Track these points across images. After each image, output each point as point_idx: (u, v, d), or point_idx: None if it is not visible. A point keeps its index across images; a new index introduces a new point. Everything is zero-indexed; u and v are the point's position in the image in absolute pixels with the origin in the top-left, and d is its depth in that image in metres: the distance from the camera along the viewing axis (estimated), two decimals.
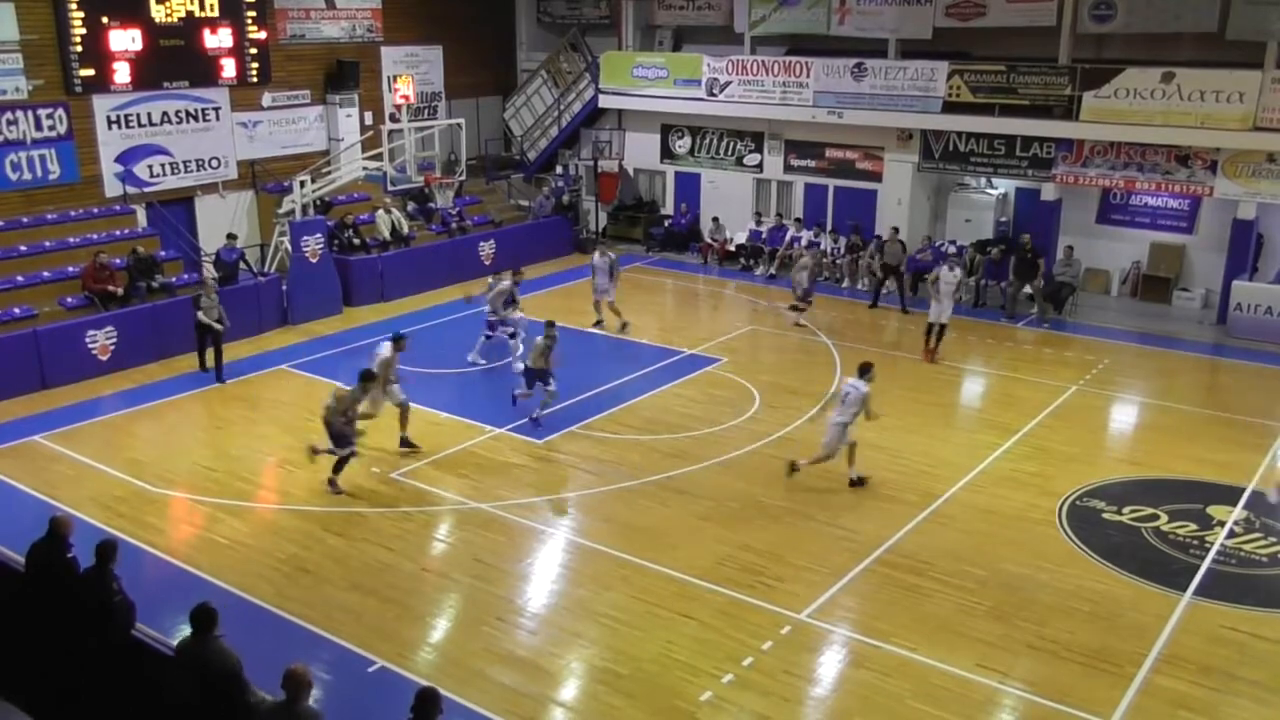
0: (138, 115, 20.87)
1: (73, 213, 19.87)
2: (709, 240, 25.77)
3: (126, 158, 20.85)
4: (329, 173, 22.82)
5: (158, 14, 20.57)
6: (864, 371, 13.49)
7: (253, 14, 22.18)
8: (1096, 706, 9.33)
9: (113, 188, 20.67)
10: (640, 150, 27.54)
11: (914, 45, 23.19)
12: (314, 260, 20.88)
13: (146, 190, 21.15)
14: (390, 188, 23.32)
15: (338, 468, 13.33)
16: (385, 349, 14.48)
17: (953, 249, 23.05)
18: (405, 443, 14.58)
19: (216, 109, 22.19)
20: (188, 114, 21.70)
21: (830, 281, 23.83)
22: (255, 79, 22.66)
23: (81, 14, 19.45)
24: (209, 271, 15.96)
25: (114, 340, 17.70)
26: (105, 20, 19.81)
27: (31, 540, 8.62)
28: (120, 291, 18.26)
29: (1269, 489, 13.21)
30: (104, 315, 17.82)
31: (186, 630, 7.30)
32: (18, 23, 18.75)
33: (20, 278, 18.04)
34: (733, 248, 25.44)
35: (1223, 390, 18.20)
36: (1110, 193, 22.32)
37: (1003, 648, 10.21)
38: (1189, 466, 14.25)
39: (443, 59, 27.27)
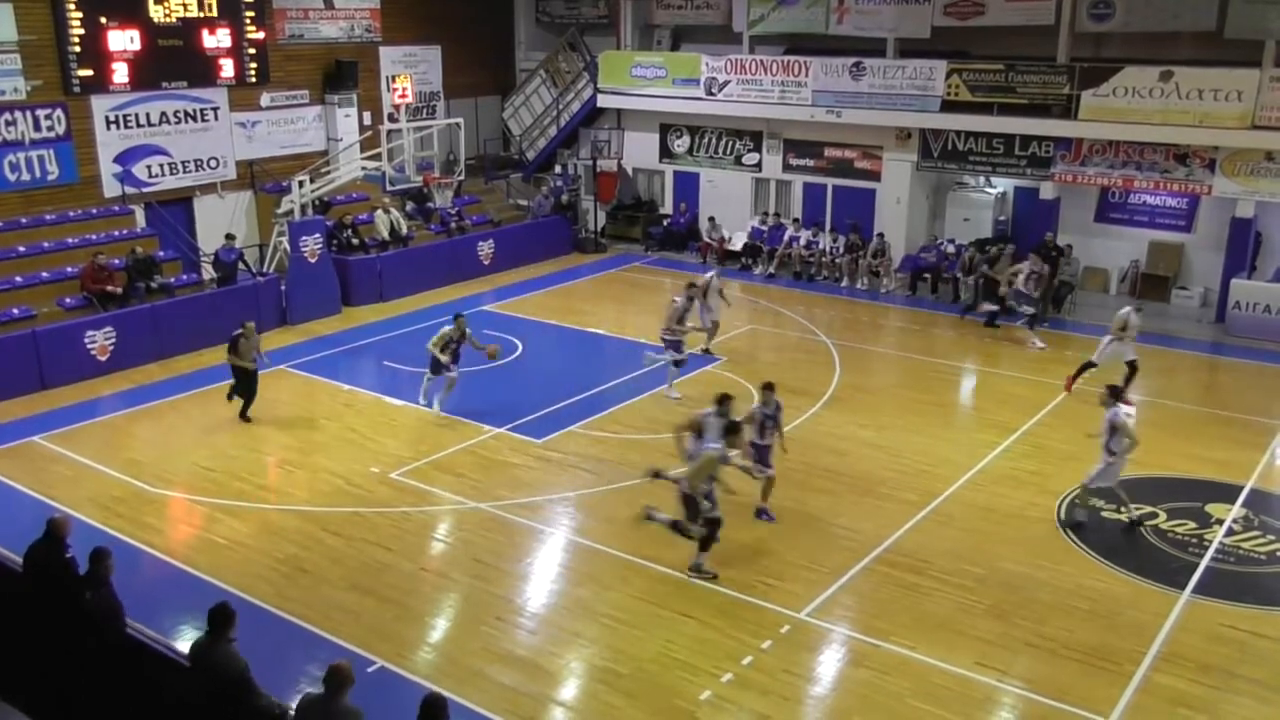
0: (136, 115, 20.87)
1: (71, 213, 19.87)
2: (706, 240, 25.78)
3: (125, 158, 20.85)
4: (327, 173, 22.83)
5: (156, 14, 20.57)
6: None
7: (251, 14, 22.17)
8: (1096, 705, 9.33)
9: (111, 188, 20.67)
10: (639, 150, 27.53)
11: (912, 44, 23.20)
12: (313, 260, 20.87)
13: (145, 191, 21.15)
14: (389, 187, 23.34)
15: (704, 545, 11.36)
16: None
17: (951, 247, 23.05)
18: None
19: (215, 109, 22.19)
20: (186, 114, 21.69)
21: (830, 280, 23.85)
22: (254, 79, 22.65)
23: (80, 14, 19.45)
24: (248, 325, 15.28)
25: (113, 341, 17.69)
26: (103, 20, 19.81)
27: (30, 541, 8.62)
28: (119, 291, 18.26)
29: None
30: (103, 316, 17.82)
31: (186, 629, 7.30)
32: (16, 23, 18.75)
33: (19, 278, 18.05)
34: (733, 247, 25.44)
35: (1221, 388, 18.21)
36: (1109, 191, 22.34)
37: (1002, 646, 10.21)
38: (1188, 465, 14.25)
39: (441, 59, 27.27)
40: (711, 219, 25.91)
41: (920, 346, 18.99)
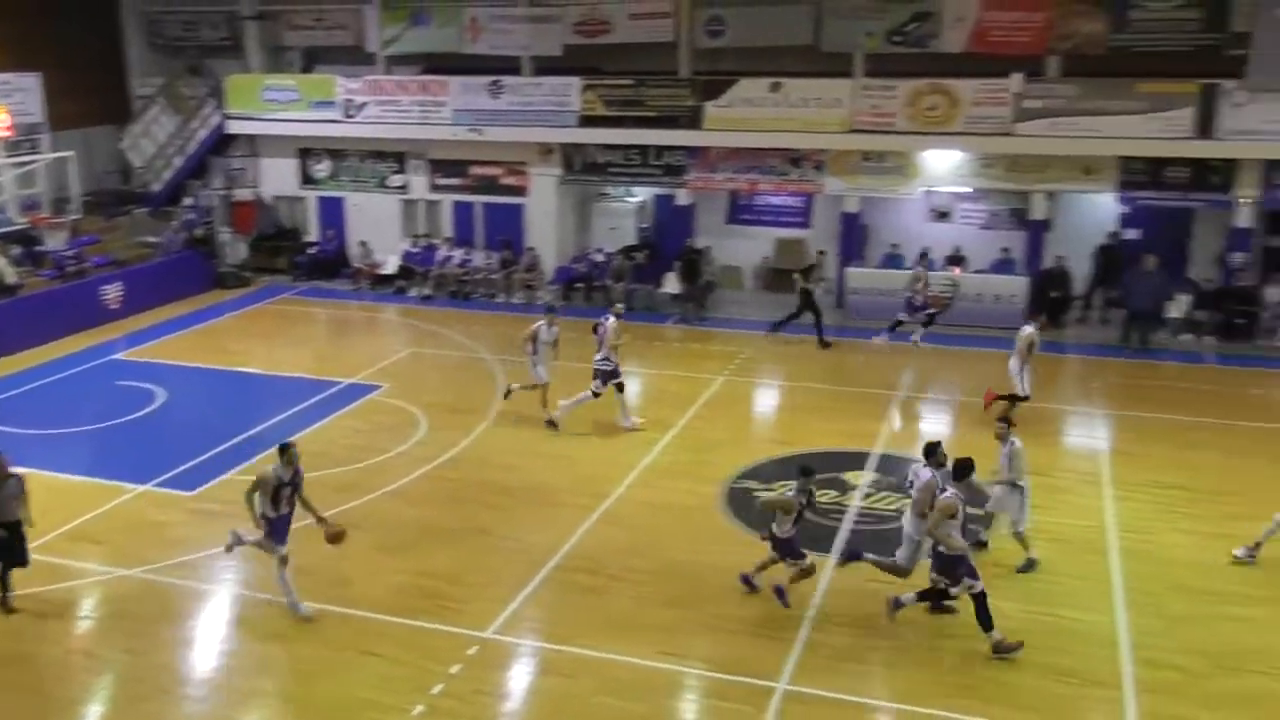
0: None
1: None
2: (359, 265, 25.15)
3: None
4: None
5: None
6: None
7: None
8: (766, 671, 10.01)
9: None
10: (278, 177, 26.40)
11: (548, 62, 23.82)
12: None
13: None
14: None
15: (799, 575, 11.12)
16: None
17: (600, 256, 23.89)
18: None
19: None
20: None
21: (486, 297, 24.00)
22: None
23: None
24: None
25: None
26: None
27: None
28: None
29: None
30: None
31: None
32: None
33: None
34: (386, 271, 24.96)
35: (846, 368, 20.00)
36: (737, 195, 24.05)
37: (680, 631, 10.71)
38: (826, 439, 15.61)
39: (42, 87, 24.68)
40: (363, 244, 25.30)
41: (577, 354, 19.50)
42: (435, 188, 25.32)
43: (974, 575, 10.31)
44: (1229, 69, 19.38)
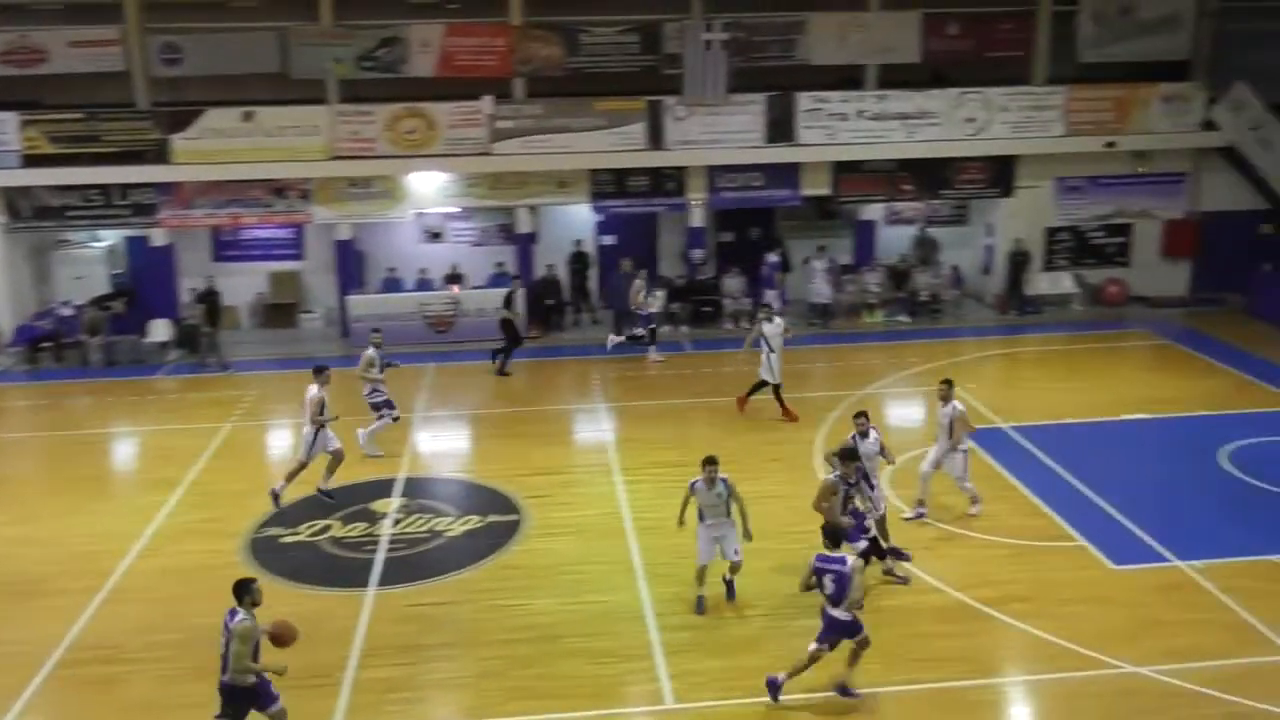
0: None
1: None
2: None
3: None
4: None
5: None
6: None
7: None
8: None
9: None
10: None
11: None
12: None
13: None
14: None
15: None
16: None
17: (68, 310, 21.39)
18: None
19: None
20: None
21: None
22: None
23: None
24: None
25: None
26: None
27: None
28: None
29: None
30: None
31: None
32: None
33: None
34: None
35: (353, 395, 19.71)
36: (220, 230, 22.71)
37: (207, 707, 9.88)
38: (351, 472, 15.19)
39: None
40: None
41: (72, 420, 17.36)
42: None
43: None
44: (670, 86, 21.76)
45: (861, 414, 12.55)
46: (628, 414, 17.81)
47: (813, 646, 9.59)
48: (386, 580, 12.21)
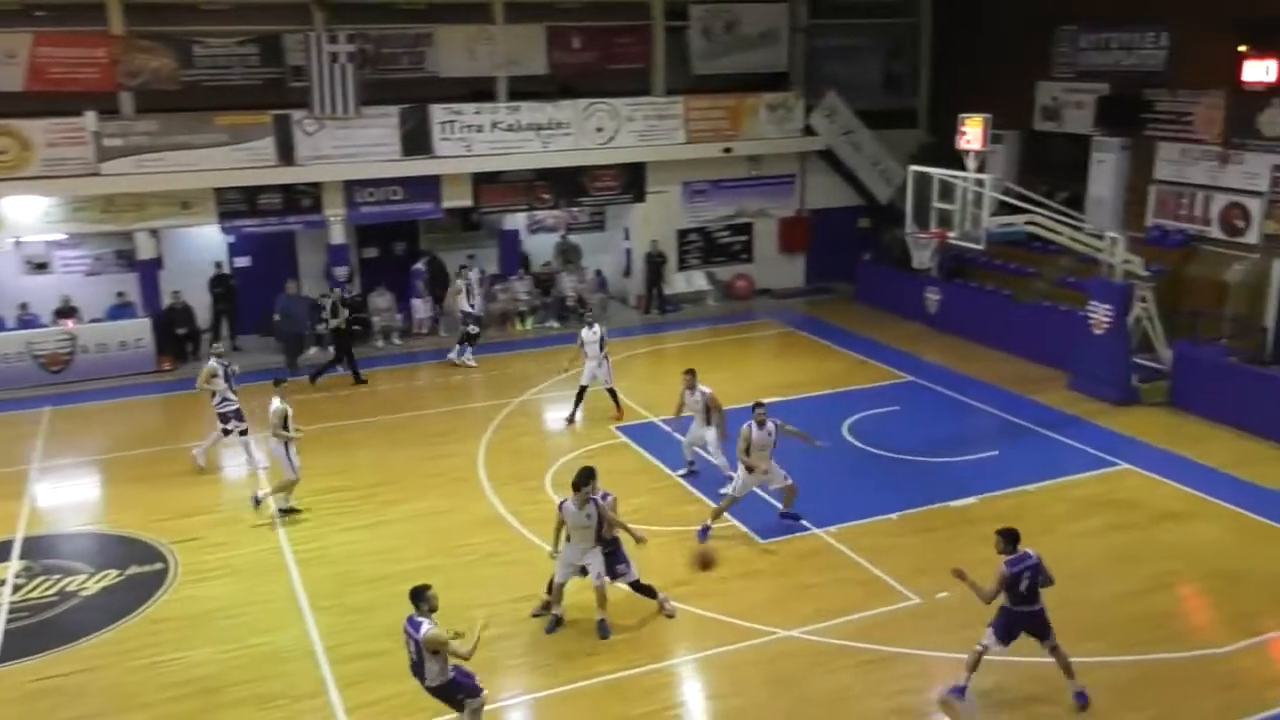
0: None
1: None
2: None
3: None
4: None
5: None
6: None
7: None
8: None
9: None
10: None
11: None
12: None
13: None
14: None
15: None
16: None
17: None
18: None
19: None
20: None
21: None
22: None
23: None
24: None
25: None
26: None
27: None
28: None
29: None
30: None
31: None
32: None
33: None
34: None
35: None
36: None
37: None
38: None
39: None
40: None
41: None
42: None
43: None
44: (298, 99, 20.90)
45: (759, 404, 13.04)
46: None
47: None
48: (8, 655, 10.85)
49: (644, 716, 9.77)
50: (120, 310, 20.92)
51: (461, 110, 22.09)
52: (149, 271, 21.23)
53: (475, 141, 22.20)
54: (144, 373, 20.11)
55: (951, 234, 17.46)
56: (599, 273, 24.84)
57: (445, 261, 23.52)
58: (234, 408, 15.51)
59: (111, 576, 12.48)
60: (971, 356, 20.38)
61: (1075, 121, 22.42)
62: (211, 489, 15.19)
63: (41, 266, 21.32)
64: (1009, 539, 9.47)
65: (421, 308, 22.76)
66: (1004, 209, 18.04)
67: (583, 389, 17.28)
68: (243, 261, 22.61)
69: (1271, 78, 17.99)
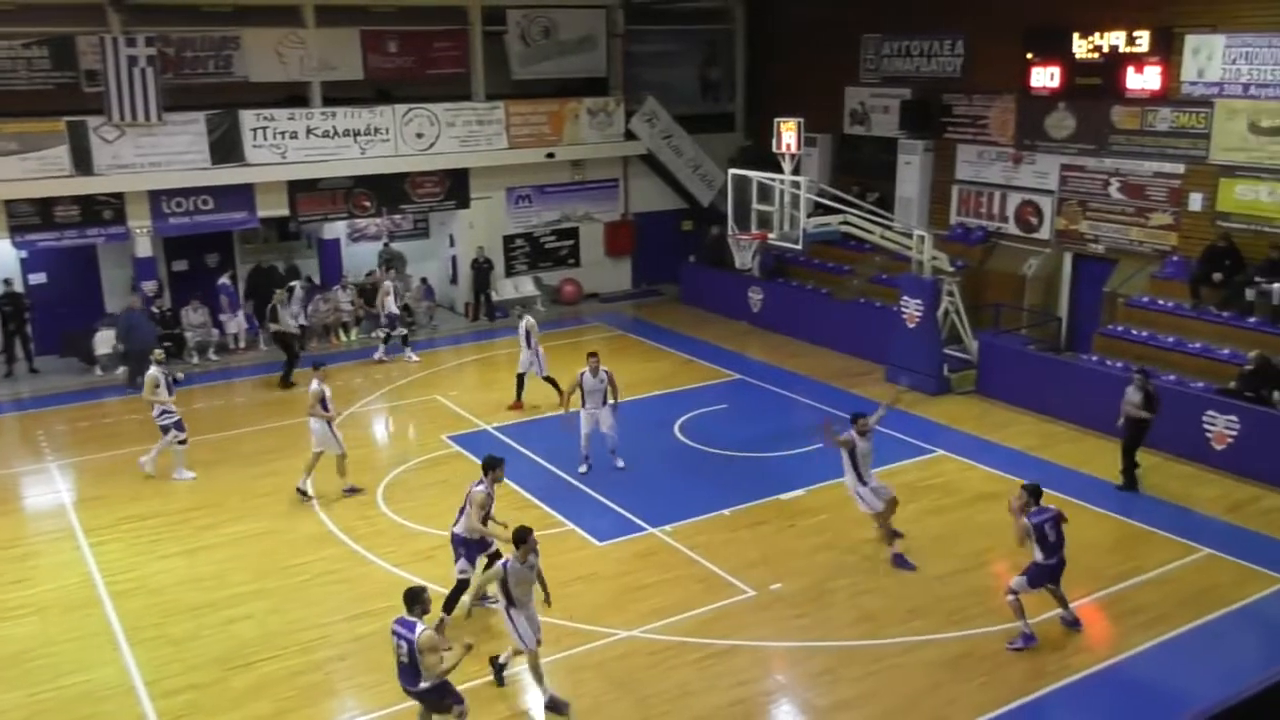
0: None
1: None
2: None
3: None
4: None
5: None
6: None
7: None
8: None
9: None
10: None
11: None
12: None
13: None
14: None
15: None
16: None
17: None
18: None
19: None
20: None
21: None
22: None
23: None
24: None
25: None
26: None
27: None
28: None
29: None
30: None
31: None
32: None
33: None
34: None
35: None
36: None
37: None
38: None
39: None
40: None
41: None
42: None
43: None
44: (95, 105, 19.72)
45: (859, 414, 12.81)
46: (85, 469, 15.95)
47: None
48: None
49: None
50: None
51: (274, 116, 21.32)
52: None
53: (290, 148, 21.47)
54: None
55: (771, 235, 17.98)
56: (424, 280, 24.43)
57: (278, 268, 22.78)
58: (175, 419, 15.26)
59: None
60: (795, 353, 21.03)
61: (882, 125, 23.47)
62: (8, 524, 14.14)
63: None
64: (1032, 494, 10.64)
65: (232, 323, 21.79)
66: (819, 210, 18.71)
67: (520, 376, 18.04)
68: (38, 278, 21.18)
69: (1056, 84, 19.33)
